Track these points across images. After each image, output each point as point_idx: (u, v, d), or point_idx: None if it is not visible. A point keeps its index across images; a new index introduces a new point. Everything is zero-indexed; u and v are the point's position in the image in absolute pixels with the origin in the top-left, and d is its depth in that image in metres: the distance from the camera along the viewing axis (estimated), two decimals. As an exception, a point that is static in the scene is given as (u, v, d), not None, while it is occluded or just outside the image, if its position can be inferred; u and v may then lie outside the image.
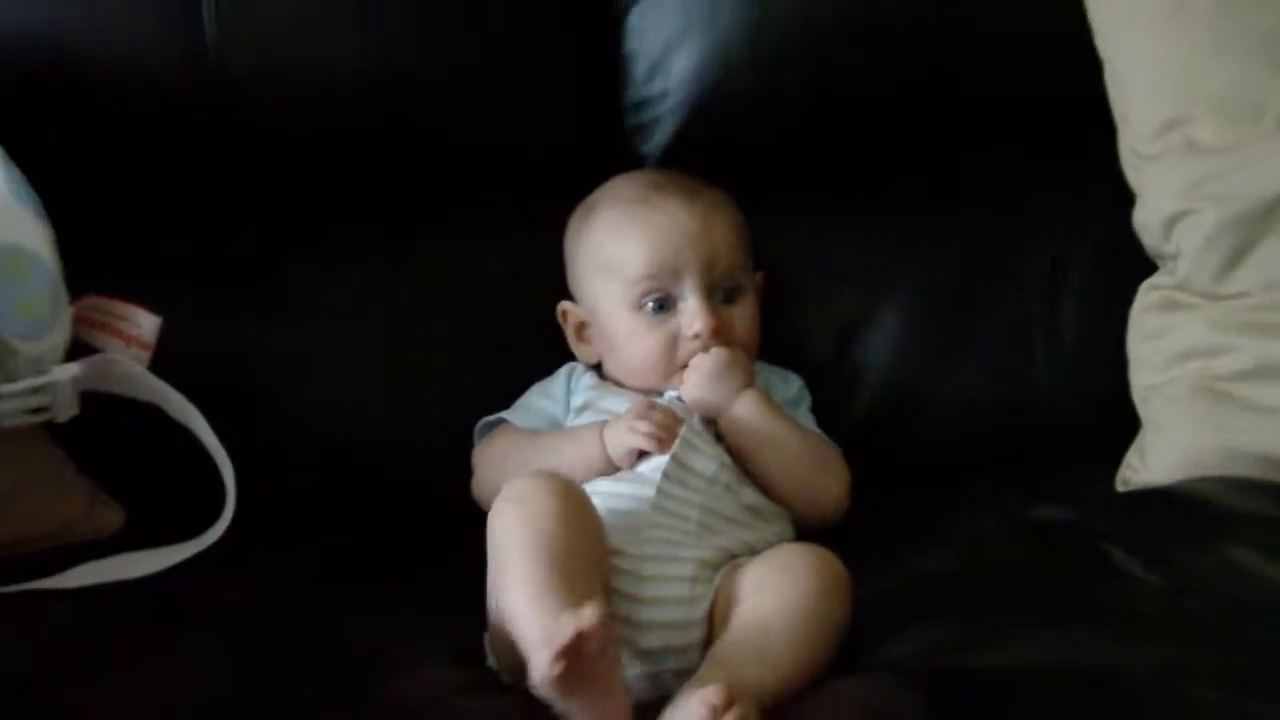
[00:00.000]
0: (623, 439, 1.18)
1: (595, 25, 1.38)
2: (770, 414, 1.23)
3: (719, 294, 1.26)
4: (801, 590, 1.04)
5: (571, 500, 1.07)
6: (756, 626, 1.03)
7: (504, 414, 1.29)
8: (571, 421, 1.27)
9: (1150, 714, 0.86)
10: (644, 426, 1.16)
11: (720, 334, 1.24)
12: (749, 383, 1.24)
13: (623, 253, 1.27)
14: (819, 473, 1.24)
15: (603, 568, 1.07)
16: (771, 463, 1.21)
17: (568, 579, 0.99)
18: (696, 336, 1.24)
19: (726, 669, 0.97)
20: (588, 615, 0.89)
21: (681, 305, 1.25)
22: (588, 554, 1.05)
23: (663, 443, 1.16)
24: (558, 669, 0.89)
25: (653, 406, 1.19)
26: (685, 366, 1.25)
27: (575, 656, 0.89)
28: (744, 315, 1.28)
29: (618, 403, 1.25)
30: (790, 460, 1.22)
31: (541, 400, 1.30)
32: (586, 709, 0.92)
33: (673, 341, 1.25)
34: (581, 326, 1.32)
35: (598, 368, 1.32)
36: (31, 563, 1.14)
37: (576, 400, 1.28)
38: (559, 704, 0.91)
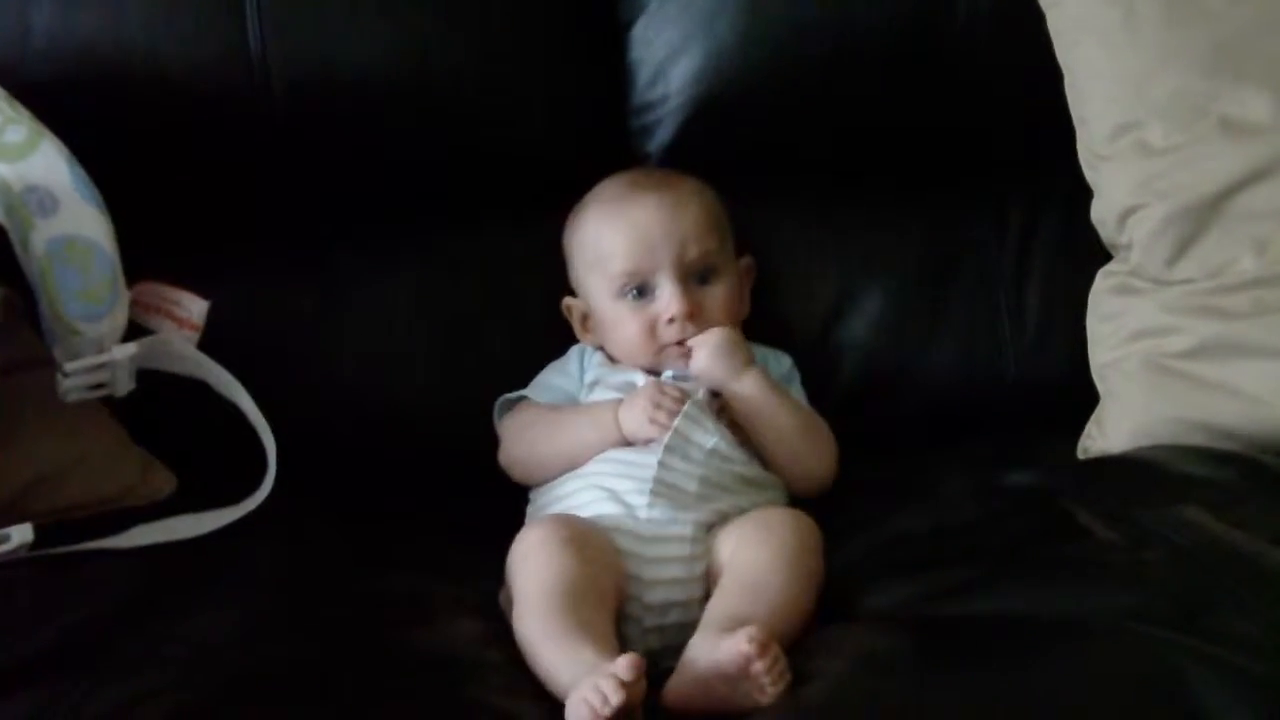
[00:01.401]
0: (642, 427, 1.17)
1: (603, 36, 1.39)
2: (772, 390, 1.24)
3: (694, 277, 1.26)
4: (781, 543, 1.08)
5: (582, 542, 1.07)
6: (748, 575, 1.05)
7: (524, 391, 1.29)
8: (585, 396, 1.27)
9: (1114, 655, 0.86)
10: (662, 418, 1.16)
11: (694, 316, 1.25)
12: (751, 359, 1.24)
13: (605, 248, 1.28)
14: (813, 445, 1.24)
15: (616, 599, 1.07)
16: (770, 435, 1.22)
17: (586, 630, 0.98)
18: (672, 320, 1.24)
19: (736, 614, 0.99)
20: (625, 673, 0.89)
21: (659, 291, 1.26)
22: (601, 595, 1.05)
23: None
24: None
25: (664, 392, 1.18)
26: (666, 347, 1.25)
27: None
28: (719, 295, 1.27)
29: (624, 378, 1.26)
30: (788, 434, 1.23)
31: (558, 378, 1.30)
32: None
33: (653, 325, 1.26)
34: (584, 318, 1.33)
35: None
36: (92, 524, 1.14)
37: (589, 377, 1.29)
38: None
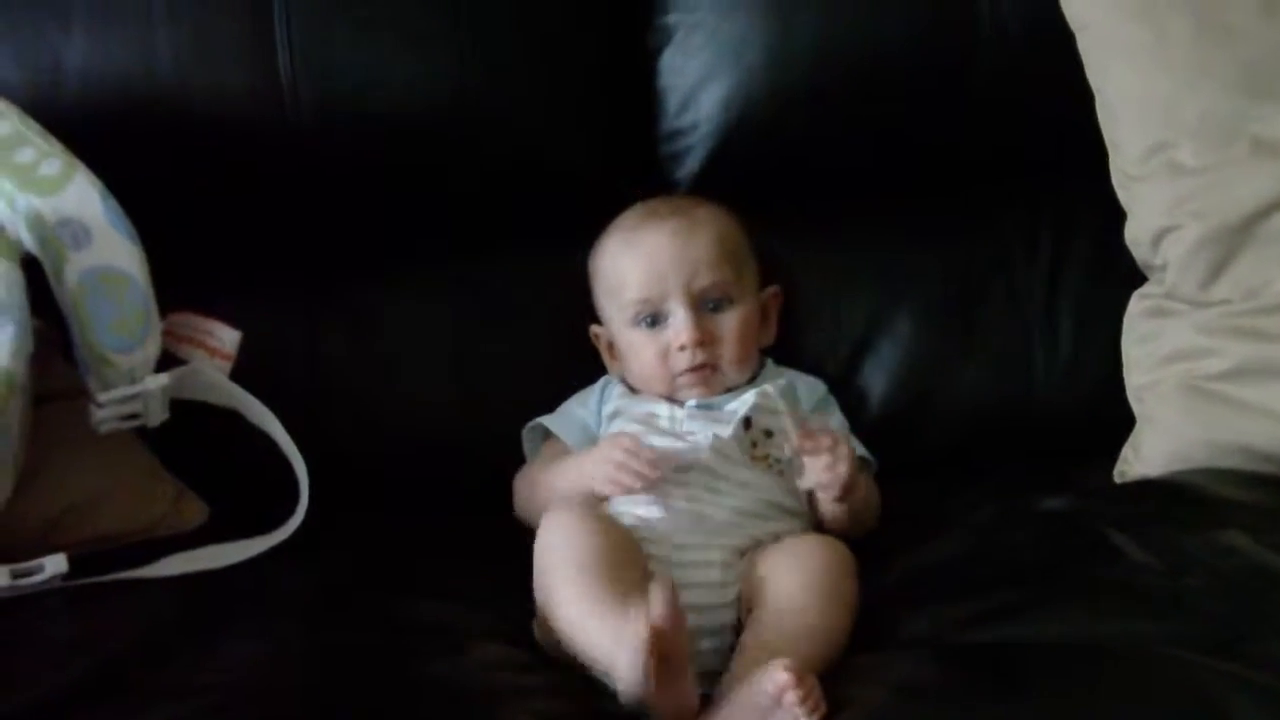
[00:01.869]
0: (604, 484, 1.15)
1: (632, 65, 1.39)
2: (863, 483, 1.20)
3: (706, 305, 1.26)
4: (815, 570, 1.06)
5: (604, 525, 1.09)
6: (783, 604, 1.04)
7: (544, 419, 1.29)
8: (606, 427, 1.27)
9: (1154, 682, 0.85)
10: (626, 479, 1.14)
11: (704, 343, 1.24)
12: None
13: (619, 277, 1.28)
14: (874, 513, 1.22)
15: (644, 572, 1.07)
16: (853, 520, 1.19)
17: (617, 589, 1.00)
18: (682, 348, 1.24)
19: (770, 644, 0.98)
20: (658, 606, 0.90)
21: (671, 319, 1.26)
22: (629, 563, 1.06)
23: (641, 486, 1.13)
24: (643, 663, 0.90)
25: (635, 453, 1.14)
26: (681, 375, 1.25)
27: (658, 648, 0.90)
28: (732, 324, 1.26)
29: (645, 408, 1.26)
30: (864, 515, 1.20)
31: (578, 408, 1.30)
32: (665, 700, 0.92)
33: (665, 353, 1.25)
34: (611, 345, 1.33)
35: None
36: (125, 554, 1.15)
37: (608, 408, 1.28)
38: (643, 698, 0.91)
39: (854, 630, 1.05)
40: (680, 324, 1.25)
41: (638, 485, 1.13)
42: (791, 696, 0.89)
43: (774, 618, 1.03)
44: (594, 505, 1.14)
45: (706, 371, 1.25)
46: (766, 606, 1.05)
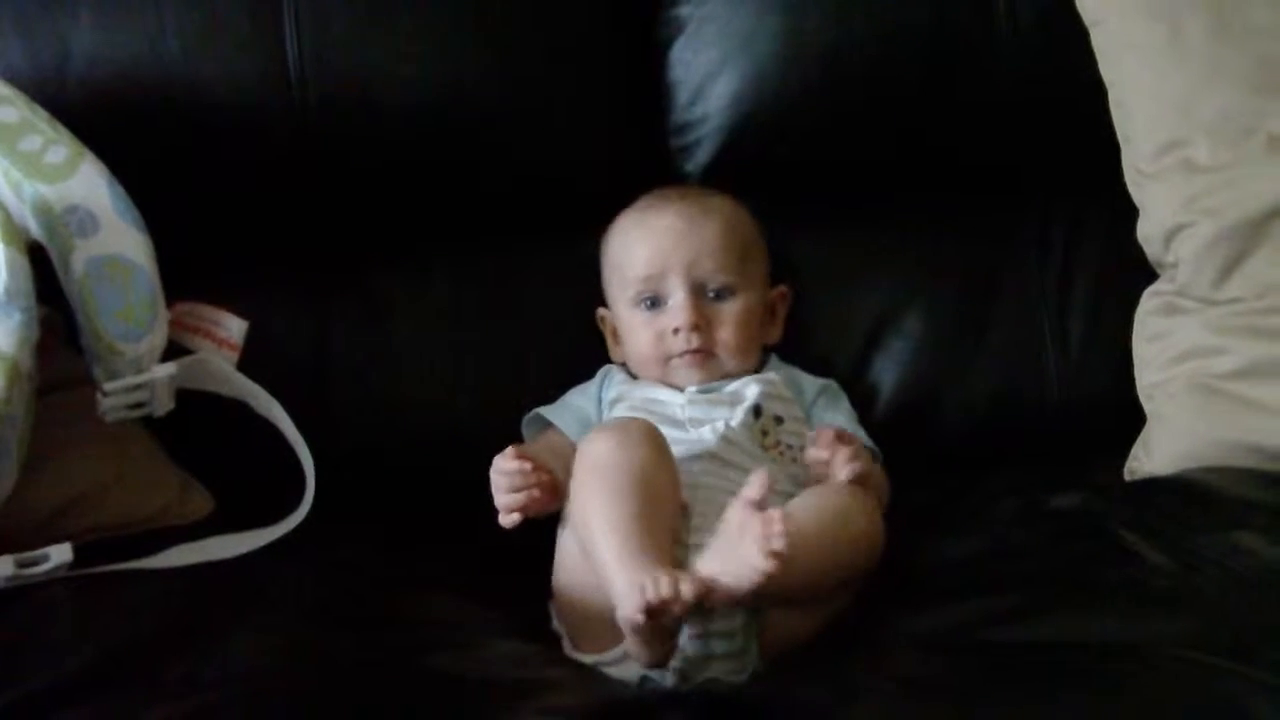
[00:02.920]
0: (505, 521, 1.12)
1: (642, 57, 1.39)
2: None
3: (708, 293, 1.26)
4: (833, 500, 1.07)
5: (660, 447, 1.09)
6: (796, 506, 1.05)
7: (543, 409, 1.29)
8: (607, 413, 1.27)
9: (1168, 683, 0.85)
10: (500, 499, 1.12)
11: (700, 329, 1.24)
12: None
13: (625, 257, 1.28)
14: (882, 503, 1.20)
15: (677, 508, 1.09)
16: None
17: (651, 529, 1.01)
18: (677, 331, 1.24)
19: None
20: (685, 590, 0.93)
21: (670, 303, 1.25)
22: (667, 498, 1.07)
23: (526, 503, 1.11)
24: (640, 619, 0.93)
25: (501, 470, 1.12)
26: (673, 358, 1.24)
27: (658, 616, 0.93)
28: (732, 314, 1.26)
29: (646, 394, 1.25)
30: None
31: (579, 398, 1.30)
32: (645, 649, 0.97)
33: (662, 335, 1.25)
34: (615, 330, 1.32)
35: None
36: (130, 544, 1.14)
37: (610, 395, 1.28)
38: (630, 639, 0.97)
39: (870, 562, 1.06)
40: (678, 306, 1.24)
41: (520, 499, 1.11)
42: (755, 522, 0.93)
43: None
44: (648, 424, 1.12)
45: (701, 356, 1.24)
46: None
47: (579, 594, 1.06)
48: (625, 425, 1.11)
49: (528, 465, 1.11)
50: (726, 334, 1.25)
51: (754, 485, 0.96)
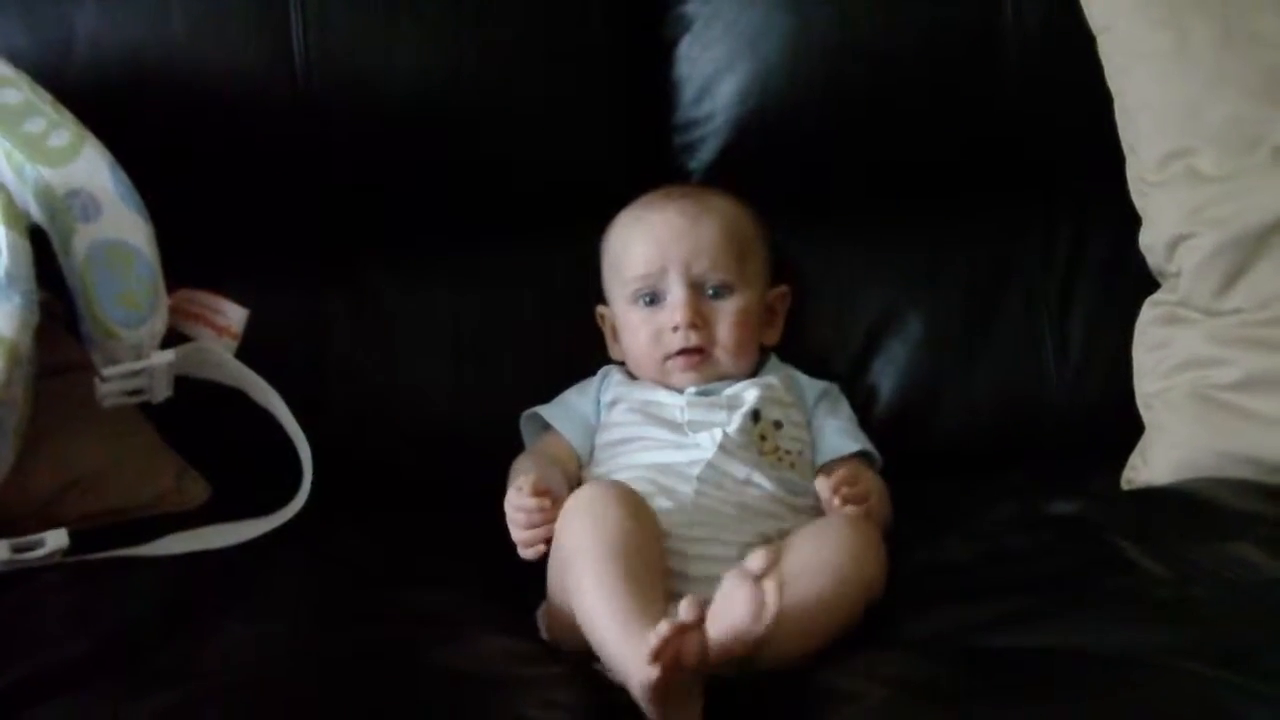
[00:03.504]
0: (525, 554, 1.11)
1: (648, 53, 1.38)
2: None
3: (706, 290, 1.25)
4: (838, 543, 1.06)
5: (635, 507, 1.07)
6: (798, 568, 1.02)
7: (541, 408, 1.29)
8: (605, 416, 1.26)
9: (1164, 693, 0.85)
10: (516, 534, 1.11)
11: (697, 326, 1.23)
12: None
13: (624, 254, 1.28)
14: (885, 516, 1.21)
15: (663, 569, 1.07)
16: None
17: (641, 591, 0.99)
18: (675, 328, 1.23)
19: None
20: (683, 611, 0.89)
21: (668, 300, 1.25)
22: (652, 559, 1.05)
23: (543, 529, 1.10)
24: (654, 673, 0.89)
25: (518, 507, 1.11)
26: (671, 357, 1.24)
27: (671, 667, 0.89)
28: (730, 312, 1.25)
29: (645, 395, 1.25)
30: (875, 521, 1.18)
31: (576, 398, 1.30)
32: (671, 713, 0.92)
33: (659, 333, 1.25)
34: (615, 327, 1.32)
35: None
36: (126, 531, 1.14)
37: (607, 396, 1.28)
38: (648, 707, 0.91)
39: (872, 602, 1.05)
40: (676, 303, 1.24)
41: (540, 535, 1.09)
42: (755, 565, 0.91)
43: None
44: (621, 485, 1.11)
45: (697, 358, 1.24)
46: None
47: (570, 622, 1.05)
48: (602, 493, 1.08)
49: (547, 502, 1.09)
50: (724, 332, 1.24)
51: (755, 559, 0.93)
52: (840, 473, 1.13)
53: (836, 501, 1.10)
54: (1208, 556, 0.99)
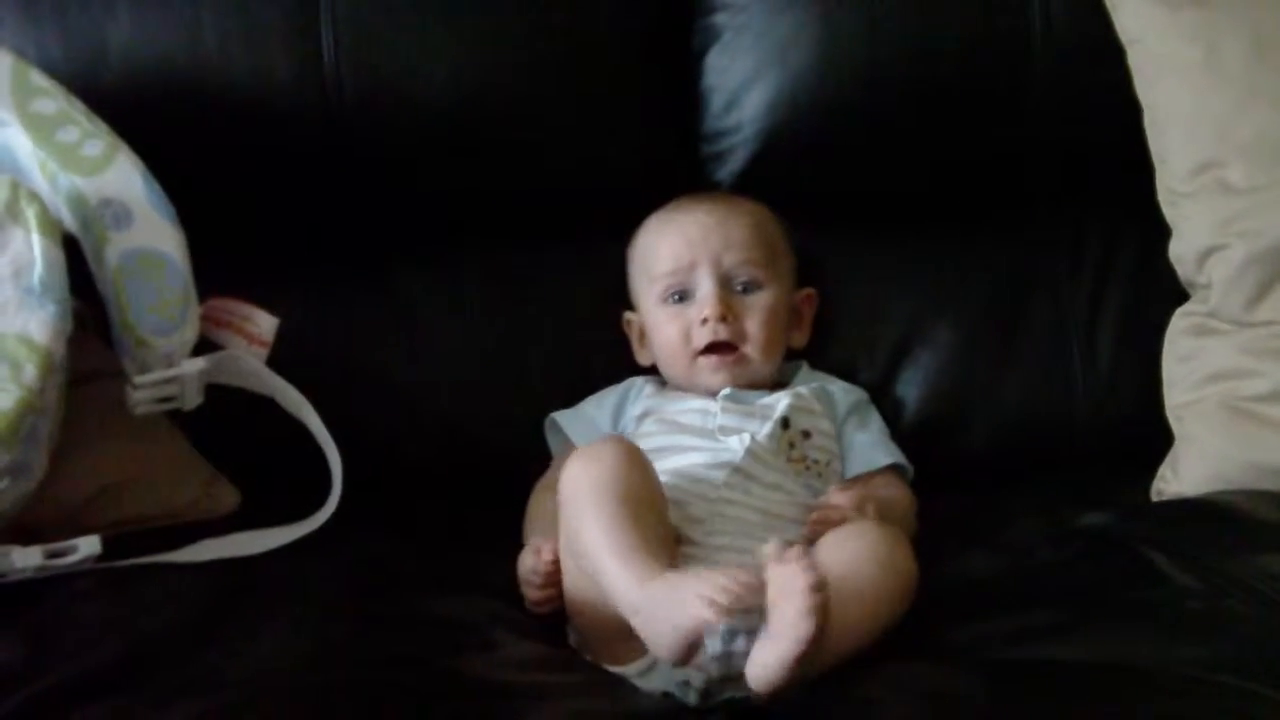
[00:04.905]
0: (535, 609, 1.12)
1: (677, 63, 1.39)
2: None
3: (735, 286, 1.26)
4: (872, 546, 1.04)
5: (629, 453, 1.07)
6: (834, 570, 1.00)
7: (560, 415, 1.29)
8: (635, 429, 1.26)
9: (1197, 707, 0.85)
10: (527, 592, 1.11)
11: (728, 320, 1.24)
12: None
13: (653, 254, 1.29)
14: (909, 527, 1.20)
15: (666, 512, 1.08)
16: None
17: (645, 531, 1.00)
18: (705, 321, 1.24)
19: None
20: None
21: (698, 294, 1.26)
22: (654, 503, 1.06)
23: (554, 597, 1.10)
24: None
25: (532, 568, 1.11)
26: (700, 355, 1.24)
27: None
28: (759, 307, 1.26)
29: (680, 405, 1.25)
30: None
31: (594, 408, 1.30)
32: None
33: (689, 330, 1.25)
34: (642, 333, 1.32)
35: (657, 371, 1.32)
36: (156, 537, 1.14)
37: (636, 410, 1.28)
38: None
39: (905, 609, 1.03)
40: (705, 297, 1.24)
41: (549, 595, 1.10)
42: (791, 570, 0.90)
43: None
44: (615, 439, 1.13)
45: (730, 356, 1.24)
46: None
47: (592, 613, 1.05)
48: (595, 447, 1.09)
49: (552, 569, 1.10)
50: (754, 327, 1.25)
51: (774, 546, 0.93)
52: (836, 496, 1.13)
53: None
54: (1240, 569, 0.99)
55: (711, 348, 1.24)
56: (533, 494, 1.26)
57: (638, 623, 0.96)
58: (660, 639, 0.94)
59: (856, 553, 1.03)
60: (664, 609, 0.94)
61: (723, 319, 1.24)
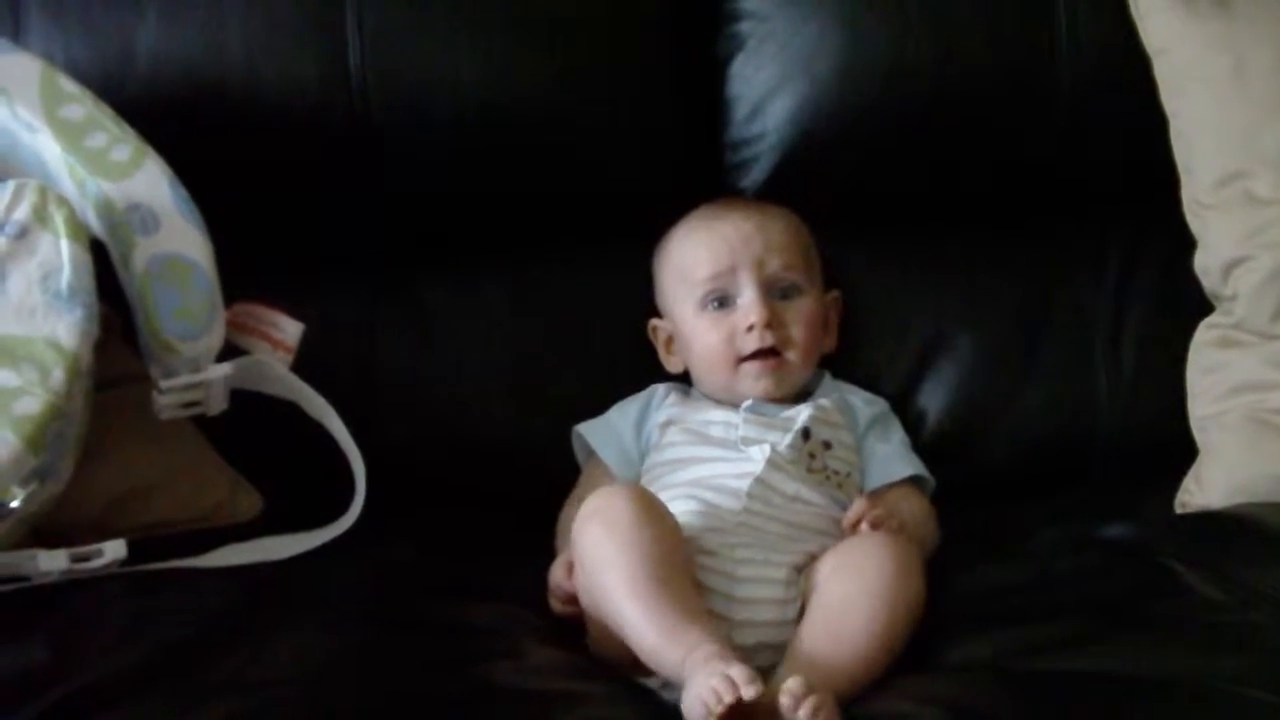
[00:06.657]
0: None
1: (701, 72, 1.39)
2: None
3: (776, 292, 1.26)
4: (871, 570, 1.05)
5: (646, 505, 1.07)
6: (835, 609, 1.03)
7: (584, 427, 1.29)
8: (658, 438, 1.26)
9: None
10: (554, 605, 1.12)
11: (773, 326, 1.24)
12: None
13: (691, 260, 1.28)
14: (929, 540, 1.21)
15: (689, 561, 1.07)
16: None
17: (671, 590, 1.00)
18: (751, 328, 1.24)
19: (805, 659, 0.98)
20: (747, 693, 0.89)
21: (740, 301, 1.25)
22: (672, 557, 1.05)
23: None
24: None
25: (552, 593, 1.12)
26: (743, 362, 1.24)
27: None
28: (800, 313, 1.27)
29: (703, 416, 1.24)
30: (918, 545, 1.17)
31: (618, 416, 1.30)
32: None
33: (733, 335, 1.25)
34: (669, 340, 1.32)
35: (685, 379, 1.32)
36: (180, 542, 1.14)
37: (660, 417, 1.27)
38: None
39: (916, 628, 1.04)
40: (749, 304, 1.25)
41: (579, 611, 1.10)
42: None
43: (822, 618, 1.03)
44: (631, 487, 1.13)
45: (773, 361, 1.24)
46: (817, 606, 1.05)
47: (612, 647, 1.05)
48: (609, 500, 1.08)
49: (574, 595, 1.10)
50: (798, 332, 1.26)
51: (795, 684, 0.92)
52: (860, 506, 1.13)
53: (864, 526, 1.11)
54: (1265, 581, 0.98)
55: (755, 354, 1.24)
56: (564, 506, 1.26)
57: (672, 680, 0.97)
58: (683, 703, 0.94)
59: (857, 585, 1.04)
60: (683, 679, 0.94)
61: (769, 325, 1.24)
